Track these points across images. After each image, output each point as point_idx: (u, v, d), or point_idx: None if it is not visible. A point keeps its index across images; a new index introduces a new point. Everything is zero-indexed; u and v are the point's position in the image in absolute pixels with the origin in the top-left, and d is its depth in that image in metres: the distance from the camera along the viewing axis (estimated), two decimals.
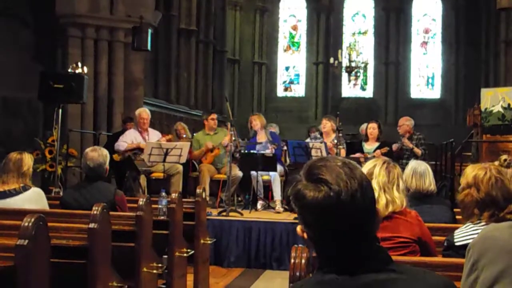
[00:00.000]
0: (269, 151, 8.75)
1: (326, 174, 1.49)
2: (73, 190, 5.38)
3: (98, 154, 5.05)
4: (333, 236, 1.49)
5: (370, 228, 1.52)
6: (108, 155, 5.19)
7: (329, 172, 1.49)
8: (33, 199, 4.72)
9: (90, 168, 5.03)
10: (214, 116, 9.39)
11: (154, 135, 9.06)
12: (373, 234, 1.53)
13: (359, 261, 1.48)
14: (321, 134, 9.25)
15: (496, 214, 2.92)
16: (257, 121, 9.14)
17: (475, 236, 2.99)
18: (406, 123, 9.28)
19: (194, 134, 9.94)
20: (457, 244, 3.05)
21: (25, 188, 4.70)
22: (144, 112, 9.14)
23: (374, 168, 3.37)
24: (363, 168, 3.46)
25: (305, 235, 1.54)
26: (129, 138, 8.87)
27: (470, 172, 2.99)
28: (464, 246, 2.95)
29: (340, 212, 1.46)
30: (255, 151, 8.82)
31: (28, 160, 4.80)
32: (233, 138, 8.39)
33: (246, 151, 8.86)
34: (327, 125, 9.08)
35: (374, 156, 7.99)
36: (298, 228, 1.57)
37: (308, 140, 9.50)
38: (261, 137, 9.11)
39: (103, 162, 5.05)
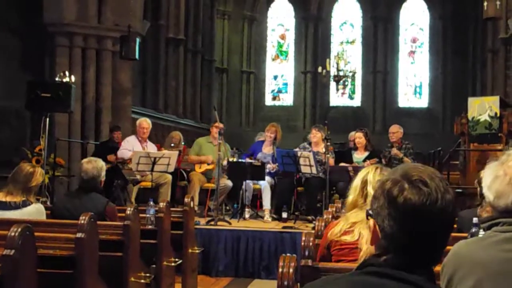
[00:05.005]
0: (270, 166, 8.80)
1: (428, 180, 1.52)
2: (65, 199, 5.37)
3: (92, 166, 5.04)
4: (409, 238, 1.50)
5: (441, 244, 1.54)
6: (104, 167, 5.17)
7: (430, 179, 1.52)
8: (32, 215, 4.63)
9: (83, 180, 5.04)
10: (218, 124, 9.18)
11: (152, 148, 9.08)
12: (439, 252, 1.55)
13: (410, 270, 1.49)
14: (309, 143, 9.27)
15: None
16: (275, 133, 9.17)
17: None
18: (400, 130, 9.38)
19: (198, 139, 9.79)
20: None
21: (25, 204, 4.63)
22: (144, 122, 9.19)
23: (368, 175, 3.43)
24: (356, 177, 3.49)
25: (377, 228, 1.55)
26: (130, 146, 8.87)
27: None
28: None
29: (429, 218, 1.49)
30: (243, 160, 8.80)
31: (38, 176, 4.75)
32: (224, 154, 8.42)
33: (235, 160, 8.86)
34: (317, 135, 9.09)
35: (363, 166, 8.03)
36: (371, 222, 1.58)
37: (297, 149, 9.51)
38: (268, 149, 9.13)
39: (97, 174, 5.03)
